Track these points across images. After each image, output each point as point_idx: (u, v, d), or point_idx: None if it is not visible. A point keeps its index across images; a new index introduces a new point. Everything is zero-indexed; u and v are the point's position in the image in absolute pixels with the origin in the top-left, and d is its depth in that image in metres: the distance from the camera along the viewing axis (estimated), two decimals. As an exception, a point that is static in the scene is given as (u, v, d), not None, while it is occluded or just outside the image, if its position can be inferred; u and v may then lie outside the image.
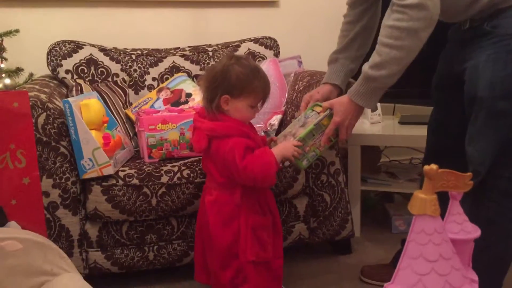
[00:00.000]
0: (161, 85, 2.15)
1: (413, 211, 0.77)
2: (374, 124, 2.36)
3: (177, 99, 2.07)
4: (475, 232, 0.87)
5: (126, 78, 2.15)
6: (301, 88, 1.92)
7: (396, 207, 2.34)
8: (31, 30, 2.19)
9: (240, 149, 1.33)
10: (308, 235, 1.86)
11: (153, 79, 2.19)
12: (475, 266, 0.90)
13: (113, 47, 2.19)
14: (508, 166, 1.28)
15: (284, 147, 1.39)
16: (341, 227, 1.90)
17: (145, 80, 2.18)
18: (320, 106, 1.47)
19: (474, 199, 1.22)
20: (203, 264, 1.50)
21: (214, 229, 1.41)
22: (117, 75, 2.13)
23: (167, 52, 2.25)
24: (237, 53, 2.27)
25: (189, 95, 2.08)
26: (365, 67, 1.34)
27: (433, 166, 0.75)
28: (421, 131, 1.63)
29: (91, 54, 2.10)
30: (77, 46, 2.09)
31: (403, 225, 2.21)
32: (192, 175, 1.65)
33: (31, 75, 2.07)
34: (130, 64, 2.16)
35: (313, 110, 1.49)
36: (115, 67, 2.13)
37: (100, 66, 2.10)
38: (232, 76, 1.35)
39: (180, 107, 1.95)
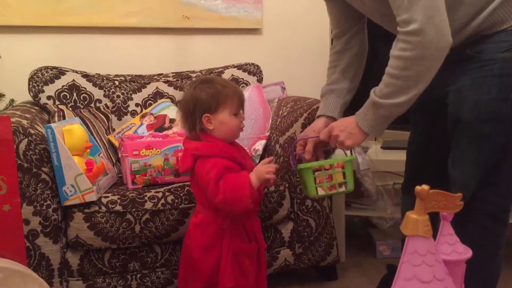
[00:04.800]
0: (144, 111, 2.14)
1: (406, 231, 0.77)
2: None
3: (161, 125, 2.06)
4: (466, 253, 0.87)
5: (109, 104, 2.13)
6: (285, 114, 1.93)
7: (380, 232, 2.34)
8: (13, 56, 2.17)
9: (218, 170, 1.32)
10: (294, 261, 1.84)
11: (136, 105, 2.18)
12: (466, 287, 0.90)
13: (96, 73, 2.18)
14: (492, 189, 1.29)
15: (258, 169, 1.34)
16: (327, 252, 1.89)
17: (128, 106, 2.17)
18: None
19: (459, 222, 1.23)
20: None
21: (196, 253, 1.39)
22: (100, 101, 2.12)
23: (151, 78, 2.25)
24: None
25: (173, 120, 2.08)
26: (373, 96, 1.28)
27: (425, 187, 0.75)
28: (404, 156, 1.65)
29: (73, 80, 2.09)
30: (60, 72, 2.08)
31: (387, 250, 2.21)
32: (176, 201, 1.63)
33: (12, 101, 2.04)
34: (113, 90, 2.15)
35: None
36: (98, 93, 2.12)
37: (82, 92, 2.09)
38: (203, 96, 1.38)
39: (164, 132, 1.94)
